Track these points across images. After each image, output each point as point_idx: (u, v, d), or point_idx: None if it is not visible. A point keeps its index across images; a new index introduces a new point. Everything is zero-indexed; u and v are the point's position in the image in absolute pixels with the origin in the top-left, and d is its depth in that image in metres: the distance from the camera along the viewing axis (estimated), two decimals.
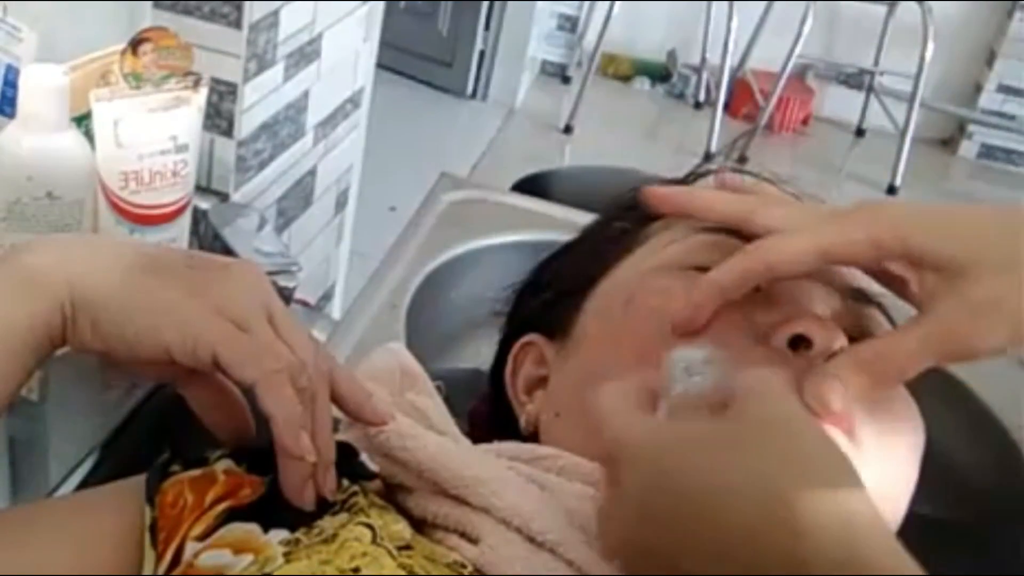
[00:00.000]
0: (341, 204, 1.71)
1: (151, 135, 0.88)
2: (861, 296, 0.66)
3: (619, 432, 0.53)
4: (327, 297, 1.77)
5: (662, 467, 0.50)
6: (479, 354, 1.05)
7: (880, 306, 0.67)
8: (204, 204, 1.18)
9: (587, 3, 4.11)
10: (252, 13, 1.20)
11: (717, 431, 0.51)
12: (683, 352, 0.55)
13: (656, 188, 0.65)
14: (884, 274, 0.63)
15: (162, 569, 0.57)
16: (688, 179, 0.77)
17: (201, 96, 0.89)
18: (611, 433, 0.53)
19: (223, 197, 1.29)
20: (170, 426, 0.78)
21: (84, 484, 0.84)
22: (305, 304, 1.28)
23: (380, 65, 1.70)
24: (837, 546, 0.46)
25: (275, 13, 1.26)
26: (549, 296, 0.75)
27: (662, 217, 0.68)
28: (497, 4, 3.76)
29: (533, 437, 0.70)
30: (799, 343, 0.61)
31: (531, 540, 0.57)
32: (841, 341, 0.61)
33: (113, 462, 0.87)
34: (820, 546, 0.46)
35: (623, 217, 0.75)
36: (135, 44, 0.88)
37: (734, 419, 0.51)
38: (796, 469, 0.48)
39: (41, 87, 0.84)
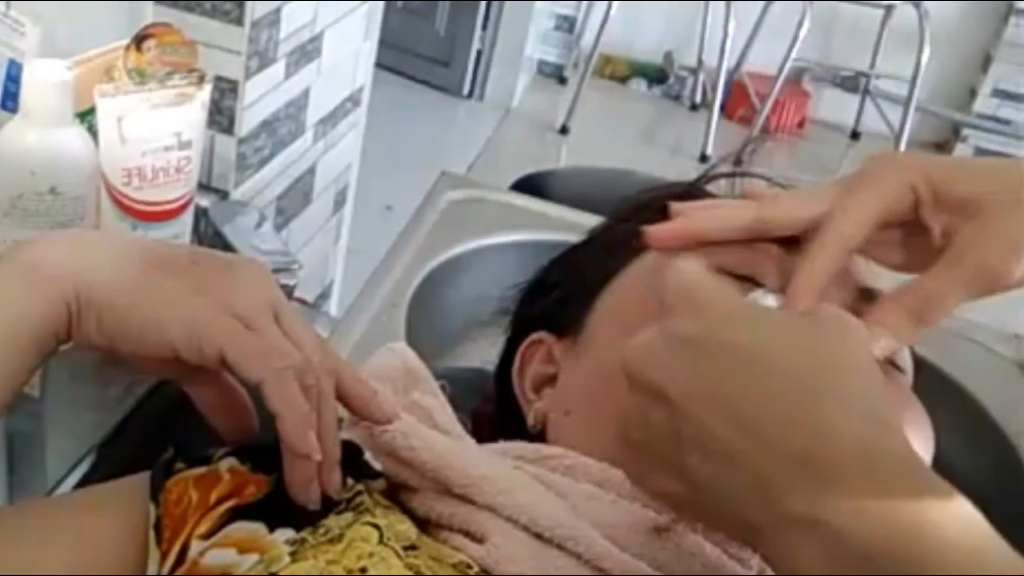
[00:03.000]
0: (339, 202, 1.71)
1: (155, 131, 0.87)
2: (869, 295, 0.66)
3: (697, 286, 0.55)
4: (324, 296, 1.77)
5: (733, 320, 0.52)
6: (480, 353, 1.05)
7: None
8: (204, 201, 1.18)
9: (585, 4, 4.11)
10: (254, 10, 1.20)
11: (795, 318, 0.53)
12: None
13: (655, 228, 0.65)
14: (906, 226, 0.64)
15: (166, 568, 0.57)
16: (698, 183, 0.77)
17: (205, 93, 0.89)
18: (687, 280, 0.55)
19: (223, 194, 1.29)
20: (173, 424, 0.78)
21: (84, 482, 0.84)
22: (303, 302, 1.27)
23: (377, 64, 1.70)
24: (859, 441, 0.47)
25: (276, 11, 1.26)
26: (559, 294, 0.75)
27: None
28: (495, 4, 3.76)
29: (539, 436, 0.70)
30: None
31: (538, 537, 0.57)
32: None
33: (113, 460, 0.86)
34: (842, 443, 0.46)
35: (634, 218, 0.75)
36: (139, 40, 0.88)
37: (810, 317, 0.52)
38: (847, 379, 0.49)
39: (45, 82, 0.83)
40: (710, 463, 0.49)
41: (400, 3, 3.72)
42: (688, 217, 0.65)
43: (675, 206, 0.67)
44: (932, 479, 0.47)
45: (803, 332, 0.50)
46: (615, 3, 3.65)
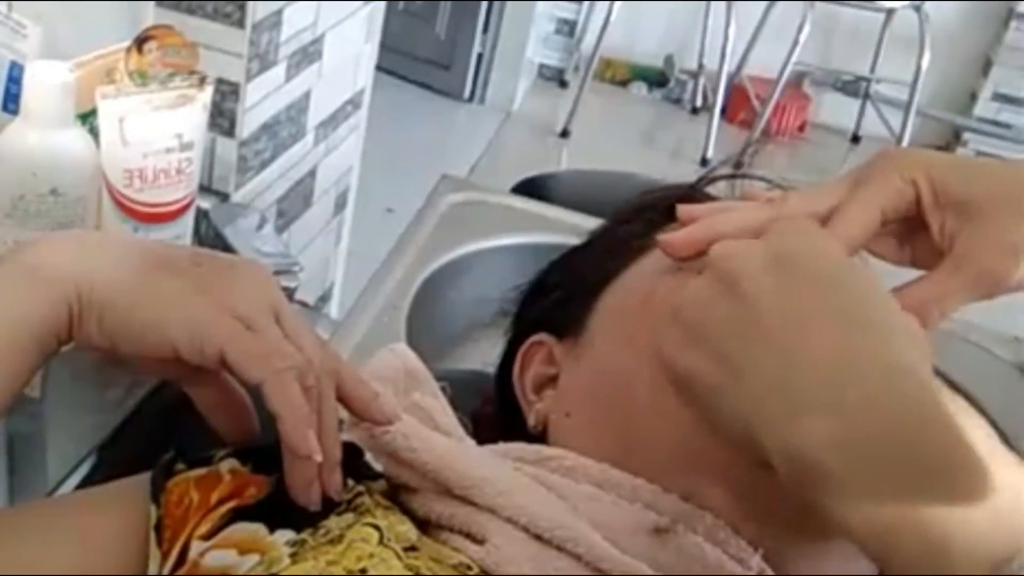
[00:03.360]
0: (340, 205, 1.72)
1: (156, 133, 0.87)
2: None
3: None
4: (325, 298, 1.77)
5: (828, 255, 0.55)
6: (480, 355, 1.05)
7: None
8: (204, 204, 1.18)
9: (585, 7, 4.12)
10: (255, 13, 1.20)
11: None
12: None
13: (671, 236, 0.66)
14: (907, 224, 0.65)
15: (167, 568, 0.57)
16: (698, 185, 0.77)
17: (207, 94, 0.89)
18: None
19: (223, 197, 1.29)
20: (174, 425, 0.78)
21: (84, 483, 0.84)
22: (304, 304, 1.27)
23: (378, 67, 1.70)
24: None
25: (278, 13, 1.26)
26: (559, 296, 0.75)
27: (675, 220, 0.68)
28: (495, 7, 3.77)
29: (540, 438, 0.70)
30: None
31: (538, 538, 0.57)
32: None
33: (113, 461, 0.86)
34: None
35: (635, 219, 0.75)
36: (140, 42, 0.88)
37: None
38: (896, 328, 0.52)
39: (47, 83, 0.84)
40: (758, 354, 0.52)
41: (401, 6, 3.72)
42: (702, 222, 0.65)
43: (683, 210, 0.67)
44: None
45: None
46: (616, 6, 3.65)
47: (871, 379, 0.49)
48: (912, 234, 0.65)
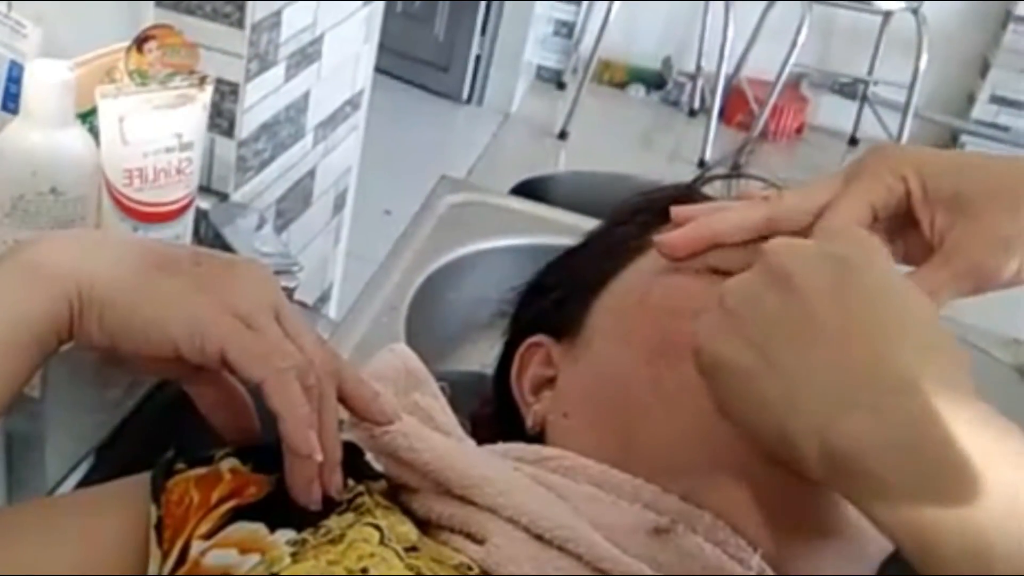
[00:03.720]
0: (339, 206, 1.71)
1: (156, 132, 0.87)
2: None
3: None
4: (324, 299, 1.77)
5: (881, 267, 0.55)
6: (479, 356, 1.05)
7: None
8: (204, 204, 1.18)
9: (583, 9, 4.12)
10: (254, 13, 1.20)
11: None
12: None
13: (668, 237, 0.66)
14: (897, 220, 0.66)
15: (168, 568, 0.57)
16: (695, 184, 0.78)
17: (207, 94, 0.89)
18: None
19: (222, 197, 1.29)
20: (173, 426, 0.78)
21: (83, 483, 0.84)
22: (303, 305, 1.27)
23: (377, 69, 1.70)
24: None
25: (277, 13, 1.26)
26: (557, 297, 0.75)
27: (671, 221, 0.68)
28: (493, 9, 3.77)
29: (538, 439, 0.70)
30: None
31: (539, 538, 0.57)
32: None
33: (112, 462, 0.86)
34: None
35: (631, 220, 0.75)
36: (140, 42, 0.88)
37: None
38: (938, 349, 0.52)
39: (47, 83, 0.83)
40: (803, 348, 0.52)
41: (399, 8, 3.72)
42: (698, 222, 0.65)
43: (677, 211, 0.67)
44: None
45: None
46: (614, 8, 3.65)
47: (915, 392, 0.49)
48: (903, 230, 0.65)
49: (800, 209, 0.65)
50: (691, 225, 0.66)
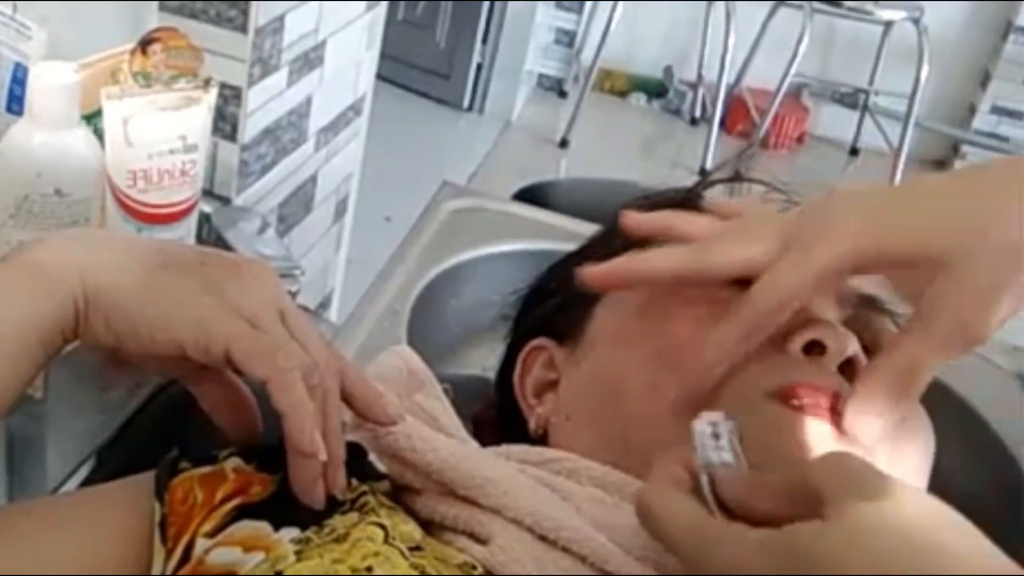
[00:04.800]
0: (340, 212, 1.72)
1: (161, 134, 0.87)
2: (869, 302, 0.67)
3: (674, 534, 0.51)
4: (325, 304, 1.77)
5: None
6: (481, 360, 1.05)
7: (887, 311, 0.68)
8: (206, 208, 1.18)
9: (585, 17, 4.12)
10: (258, 18, 1.20)
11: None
12: (705, 418, 0.55)
13: (592, 270, 0.65)
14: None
15: (172, 566, 0.57)
16: (693, 190, 0.78)
17: (211, 96, 0.89)
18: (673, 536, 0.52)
19: (225, 201, 1.29)
20: (176, 427, 0.78)
21: (85, 484, 0.83)
22: (305, 309, 1.28)
23: (378, 76, 1.70)
24: None
25: (280, 18, 1.26)
26: (559, 300, 0.76)
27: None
28: (495, 17, 3.77)
29: (541, 442, 0.70)
30: (812, 348, 0.62)
31: (543, 539, 0.57)
32: (854, 346, 0.62)
33: (114, 463, 0.86)
34: None
35: None
36: (145, 44, 0.88)
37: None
38: None
39: (52, 84, 0.84)
40: None
41: (400, 15, 3.72)
42: (627, 259, 0.65)
43: (627, 218, 0.68)
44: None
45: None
46: (615, 17, 3.66)
47: None
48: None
49: (725, 260, 0.62)
50: (618, 262, 0.65)
